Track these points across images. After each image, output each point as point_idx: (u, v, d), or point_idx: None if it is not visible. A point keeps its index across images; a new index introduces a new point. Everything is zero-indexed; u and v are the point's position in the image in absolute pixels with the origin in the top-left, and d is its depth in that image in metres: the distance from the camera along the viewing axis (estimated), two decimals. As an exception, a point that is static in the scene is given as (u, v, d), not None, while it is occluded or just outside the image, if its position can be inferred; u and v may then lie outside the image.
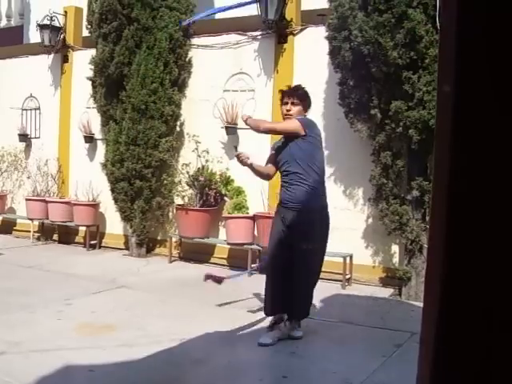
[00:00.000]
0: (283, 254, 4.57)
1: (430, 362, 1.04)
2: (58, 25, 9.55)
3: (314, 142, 4.66)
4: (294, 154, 4.60)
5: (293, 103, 4.67)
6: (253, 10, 7.42)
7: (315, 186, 4.64)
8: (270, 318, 4.77)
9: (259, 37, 7.88)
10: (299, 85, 4.94)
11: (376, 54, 5.92)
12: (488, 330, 1.00)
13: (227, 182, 7.90)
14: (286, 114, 4.71)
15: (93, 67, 8.43)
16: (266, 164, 4.96)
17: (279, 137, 5.02)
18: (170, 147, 8.17)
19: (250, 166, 4.78)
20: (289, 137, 4.66)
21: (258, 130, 4.80)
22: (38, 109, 10.18)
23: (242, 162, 4.73)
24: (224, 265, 7.86)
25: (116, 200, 8.43)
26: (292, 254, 4.52)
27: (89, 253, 8.91)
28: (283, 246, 4.60)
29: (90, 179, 8.98)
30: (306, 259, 4.53)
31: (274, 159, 4.86)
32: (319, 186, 4.71)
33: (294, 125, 4.59)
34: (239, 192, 7.78)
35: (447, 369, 1.02)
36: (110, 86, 8.27)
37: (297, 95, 4.71)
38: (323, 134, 7.36)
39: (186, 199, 8.12)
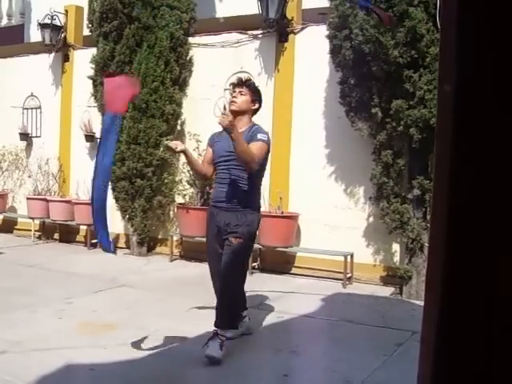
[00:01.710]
0: (217, 258, 4.36)
1: (431, 360, 1.03)
2: (58, 24, 9.56)
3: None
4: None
5: (241, 92, 4.39)
6: (254, 8, 7.41)
7: (255, 186, 4.41)
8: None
9: (260, 35, 7.88)
10: (250, 78, 4.77)
11: (377, 53, 5.92)
12: (489, 329, 1.00)
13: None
14: (230, 101, 4.47)
15: (94, 66, 8.43)
16: (203, 163, 4.63)
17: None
18: (170, 146, 8.16)
19: (184, 154, 4.34)
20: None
21: (252, 161, 4.15)
22: (39, 108, 10.19)
23: (171, 150, 4.30)
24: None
25: (117, 199, 8.43)
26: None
27: (90, 252, 8.91)
28: (216, 250, 4.38)
29: (90, 178, 8.94)
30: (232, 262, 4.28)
31: (210, 157, 4.52)
32: (258, 187, 4.48)
33: (265, 149, 4.34)
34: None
35: (448, 368, 1.02)
36: (110, 85, 8.26)
37: (246, 85, 4.43)
38: (324, 133, 7.43)
39: (187, 198, 8.12)
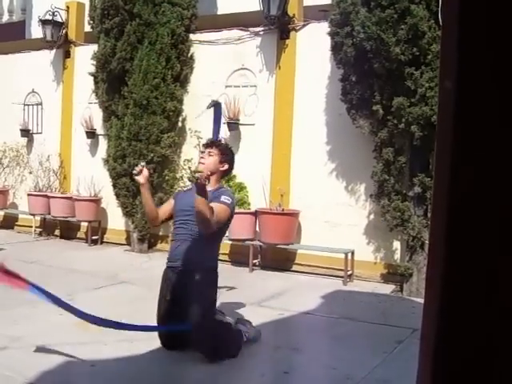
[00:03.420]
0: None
1: (431, 358, 1.04)
2: (60, 20, 9.56)
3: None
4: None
5: (209, 153, 4.33)
6: (255, 5, 7.40)
7: (212, 244, 4.29)
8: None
9: (261, 32, 7.87)
10: (221, 140, 4.65)
11: (378, 50, 5.91)
12: (489, 326, 0.99)
13: (229, 177, 7.90)
14: (198, 161, 4.43)
15: (95, 63, 8.43)
16: (158, 208, 4.52)
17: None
18: (171, 143, 8.17)
19: (143, 187, 4.24)
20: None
21: (208, 223, 3.95)
22: (40, 104, 10.19)
23: (137, 177, 4.20)
24: (226, 260, 7.86)
25: (118, 195, 8.44)
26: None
27: (90, 248, 8.92)
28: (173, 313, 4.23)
29: (91, 175, 8.99)
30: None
31: (168, 208, 4.47)
32: (216, 245, 4.37)
33: (227, 213, 4.18)
34: (241, 188, 7.78)
35: (448, 365, 1.02)
36: (111, 82, 8.27)
37: (215, 146, 4.38)
38: (325, 130, 7.43)
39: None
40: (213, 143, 4.44)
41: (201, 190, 3.75)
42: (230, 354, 4.10)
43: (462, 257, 1.00)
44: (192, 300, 4.07)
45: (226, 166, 4.39)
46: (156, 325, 4.30)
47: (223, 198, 4.16)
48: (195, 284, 4.11)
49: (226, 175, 4.55)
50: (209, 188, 4.08)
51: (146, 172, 4.19)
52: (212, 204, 4.00)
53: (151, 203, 4.36)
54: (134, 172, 4.19)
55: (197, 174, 3.72)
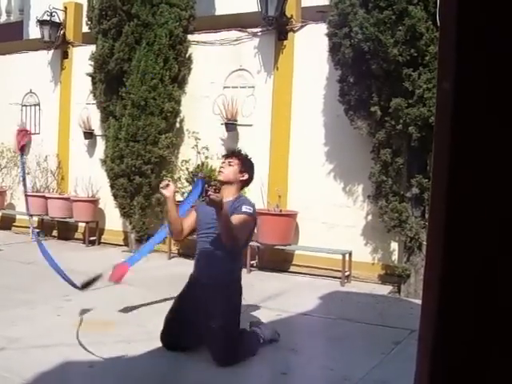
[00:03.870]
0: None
1: (429, 359, 1.04)
2: (57, 20, 9.55)
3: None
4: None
5: (229, 163, 4.34)
6: (253, 6, 7.41)
7: (237, 253, 4.31)
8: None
9: (259, 33, 7.88)
10: (240, 149, 4.68)
11: (376, 51, 5.91)
12: (487, 327, 1.00)
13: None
14: (218, 171, 4.46)
15: (93, 63, 8.42)
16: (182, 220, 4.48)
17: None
18: (169, 144, 8.17)
19: (169, 200, 4.25)
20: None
21: (234, 240, 4.00)
22: (38, 105, 10.18)
23: (163, 191, 4.25)
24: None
25: (115, 196, 8.43)
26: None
27: (88, 249, 8.91)
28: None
29: (89, 175, 8.98)
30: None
31: (191, 220, 4.46)
32: (240, 254, 4.41)
33: (249, 222, 4.21)
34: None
35: (446, 366, 1.02)
36: (109, 82, 8.27)
37: (235, 156, 4.40)
38: (323, 131, 7.43)
39: (186, 196, 8.11)
40: (233, 153, 4.47)
41: (212, 203, 3.74)
42: (243, 358, 4.11)
43: (459, 258, 1.00)
44: (215, 311, 4.06)
45: (246, 176, 4.38)
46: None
47: (244, 208, 4.15)
48: (220, 296, 4.10)
49: (247, 185, 4.53)
50: (229, 198, 4.15)
51: (172, 186, 4.24)
52: (234, 216, 4.03)
53: (176, 217, 4.37)
54: (161, 186, 4.26)
55: (210, 190, 3.78)
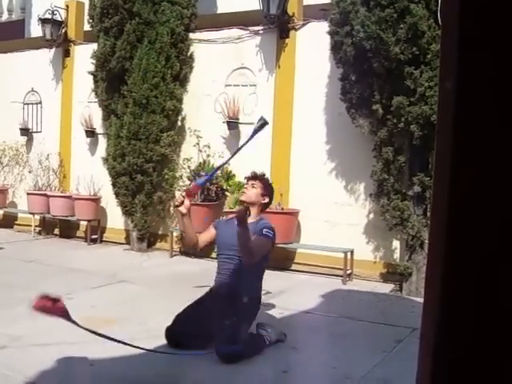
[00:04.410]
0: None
1: (431, 357, 1.04)
2: (59, 19, 9.55)
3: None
4: None
5: (253, 185, 4.56)
6: (255, 4, 7.40)
7: (257, 275, 4.49)
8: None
9: (261, 31, 7.87)
10: (264, 173, 4.82)
11: (378, 49, 5.91)
12: (489, 325, 1.00)
13: (228, 177, 7.91)
14: (242, 192, 4.72)
15: (94, 61, 8.42)
16: (198, 234, 4.60)
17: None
18: (171, 142, 8.17)
19: (185, 217, 4.32)
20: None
21: (251, 257, 4.17)
22: (40, 103, 10.19)
23: (179, 208, 4.29)
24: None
25: (117, 194, 8.44)
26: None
27: (90, 247, 8.92)
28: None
29: (91, 174, 8.99)
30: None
31: (209, 235, 4.60)
32: (260, 276, 4.55)
33: (268, 246, 4.44)
34: (240, 187, 7.77)
35: (448, 365, 1.02)
36: (111, 81, 8.27)
37: (258, 179, 4.62)
38: (325, 130, 7.43)
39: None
40: (256, 176, 4.66)
41: (241, 221, 3.92)
42: (247, 358, 4.13)
43: (461, 256, 1.00)
44: (229, 313, 4.14)
45: (267, 200, 4.61)
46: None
47: (265, 232, 4.32)
48: (237, 305, 4.21)
49: (266, 208, 4.72)
50: (250, 220, 4.27)
51: (187, 202, 4.26)
52: (254, 237, 4.18)
53: (191, 231, 4.45)
54: (176, 203, 4.29)
55: (237, 207, 3.87)
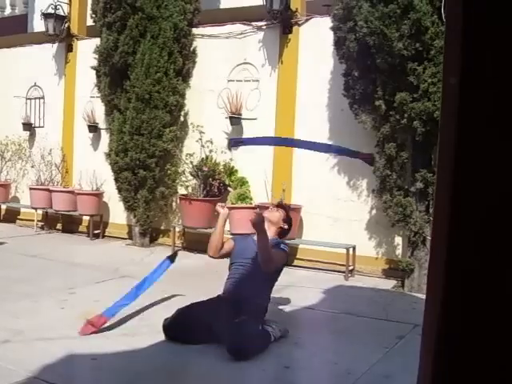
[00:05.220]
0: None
1: (432, 353, 1.04)
2: (62, 14, 9.54)
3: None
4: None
5: (277, 209, 4.88)
6: (258, -1, 7.40)
7: (266, 284, 4.61)
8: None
9: (264, 27, 7.86)
10: (290, 206, 5.30)
11: (381, 45, 5.89)
12: (490, 321, 1.00)
13: (231, 172, 7.91)
14: (266, 209, 5.01)
15: (97, 56, 8.42)
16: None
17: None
18: (173, 137, 8.17)
19: (222, 218, 4.81)
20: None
21: (270, 260, 4.35)
22: (42, 98, 10.19)
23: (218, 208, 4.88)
24: (227, 255, 7.88)
25: (120, 190, 8.45)
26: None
27: (92, 242, 8.93)
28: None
29: (93, 169, 8.99)
30: None
31: (228, 246, 4.81)
32: (269, 286, 4.67)
33: (283, 259, 4.65)
34: (243, 182, 7.79)
35: (449, 361, 1.02)
36: (114, 76, 8.27)
37: (283, 208, 4.96)
38: (327, 125, 7.42)
39: (190, 189, 8.12)
40: (282, 205, 5.13)
41: (255, 225, 4.16)
42: (254, 354, 4.16)
43: (464, 253, 1.00)
44: (238, 314, 4.23)
45: (286, 227, 4.85)
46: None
47: (282, 246, 4.65)
48: (244, 311, 4.27)
49: (284, 236, 4.93)
50: (269, 236, 4.44)
51: (227, 210, 4.87)
52: (273, 251, 4.41)
53: (221, 237, 4.78)
54: (220, 209, 4.85)
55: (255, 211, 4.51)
